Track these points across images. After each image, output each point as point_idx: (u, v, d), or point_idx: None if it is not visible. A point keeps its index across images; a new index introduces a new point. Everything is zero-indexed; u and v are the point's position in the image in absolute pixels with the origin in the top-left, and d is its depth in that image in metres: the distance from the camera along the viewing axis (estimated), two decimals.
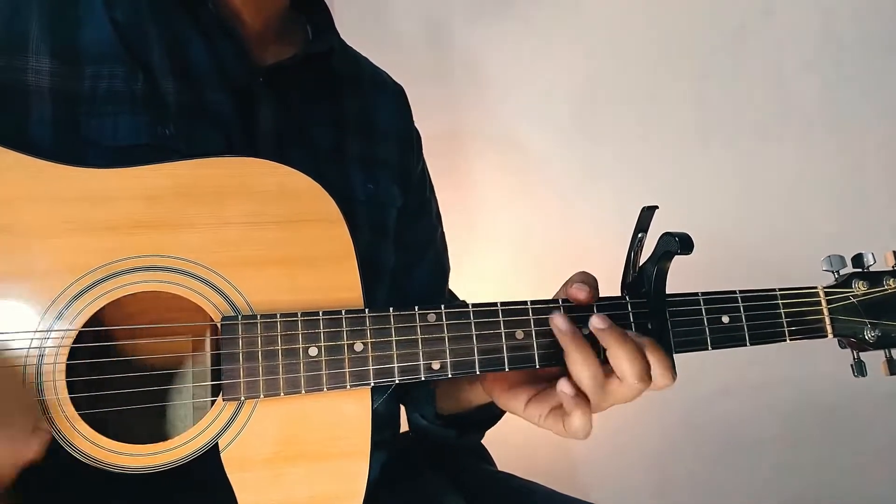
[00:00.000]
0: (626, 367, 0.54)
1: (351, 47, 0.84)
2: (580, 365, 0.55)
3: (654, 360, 0.55)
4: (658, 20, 1.50)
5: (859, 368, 0.64)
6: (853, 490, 1.47)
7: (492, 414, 0.73)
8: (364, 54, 0.86)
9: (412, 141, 0.84)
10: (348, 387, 0.54)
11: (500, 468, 0.83)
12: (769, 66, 1.51)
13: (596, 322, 0.56)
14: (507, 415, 0.69)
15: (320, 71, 0.73)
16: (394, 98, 0.85)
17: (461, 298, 0.92)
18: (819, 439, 1.47)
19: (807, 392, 1.45)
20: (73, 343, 0.50)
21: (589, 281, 0.60)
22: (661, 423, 1.45)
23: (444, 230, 0.91)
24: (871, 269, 0.65)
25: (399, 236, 0.78)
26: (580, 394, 0.56)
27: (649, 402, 1.34)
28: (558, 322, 0.56)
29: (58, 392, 0.50)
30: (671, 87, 1.50)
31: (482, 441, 0.84)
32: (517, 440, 0.99)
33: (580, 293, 0.58)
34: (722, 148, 1.50)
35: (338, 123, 0.74)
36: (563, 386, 0.56)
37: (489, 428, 0.80)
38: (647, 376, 0.55)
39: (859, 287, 0.64)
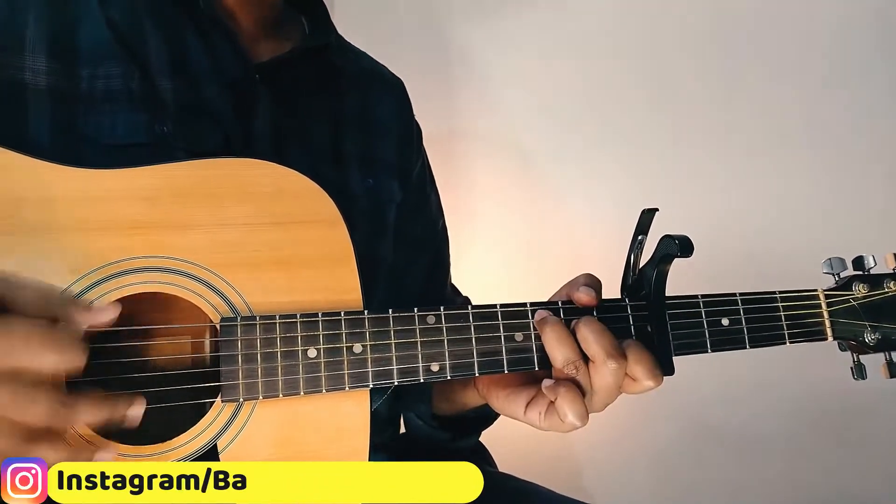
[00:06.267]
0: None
1: (350, 44, 0.84)
2: (554, 344, 0.56)
3: (636, 359, 0.55)
4: (658, 21, 1.49)
5: (859, 371, 0.64)
6: (857, 491, 1.46)
7: (485, 415, 0.73)
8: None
9: (412, 136, 0.84)
10: (347, 388, 0.54)
11: (500, 468, 0.82)
12: (769, 69, 1.50)
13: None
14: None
15: (318, 66, 0.73)
16: (393, 93, 0.84)
17: (464, 294, 0.91)
18: (824, 441, 1.47)
19: (811, 394, 1.44)
20: None
21: (594, 284, 0.60)
22: (664, 424, 1.45)
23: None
24: (872, 271, 0.65)
25: (399, 232, 0.78)
26: (564, 381, 0.56)
27: (652, 404, 1.35)
28: (537, 315, 0.58)
29: None
30: (671, 89, 1.49)
31: (482, 442, 0.83)
32: (517, 440, 0.99)
33: (585, 297, 0.58)
34: (722, 150, 1.50)
35: (336, 119, 0.74)
36: (545, 381, 0.57)
37: (483, 430, 0.79)
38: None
39: (860, 290, 0.64)
